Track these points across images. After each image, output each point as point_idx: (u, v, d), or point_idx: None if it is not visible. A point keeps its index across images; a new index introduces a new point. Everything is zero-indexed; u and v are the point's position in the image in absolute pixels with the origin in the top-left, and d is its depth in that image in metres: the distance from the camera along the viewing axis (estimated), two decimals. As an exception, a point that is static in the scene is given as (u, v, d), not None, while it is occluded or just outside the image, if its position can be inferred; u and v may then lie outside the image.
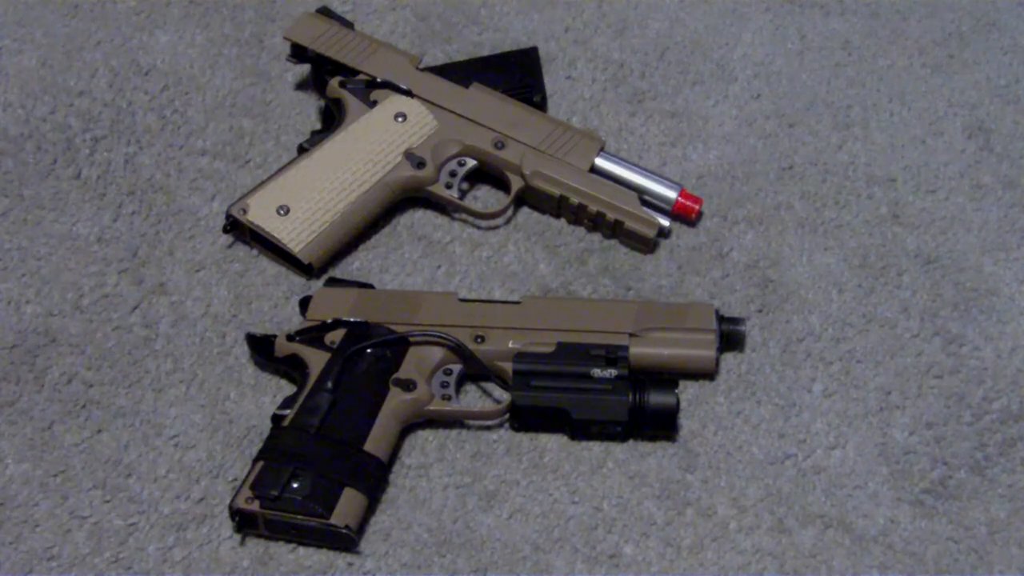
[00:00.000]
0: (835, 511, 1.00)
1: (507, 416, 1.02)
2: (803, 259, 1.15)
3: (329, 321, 1.03)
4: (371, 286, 1.09)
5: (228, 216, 1.11)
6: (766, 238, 1.16)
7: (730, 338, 1.06)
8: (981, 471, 1.03)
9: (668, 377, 1.02)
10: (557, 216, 1.17)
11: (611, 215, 1.13)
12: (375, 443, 0.97)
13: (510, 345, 1.03)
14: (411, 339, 1.03)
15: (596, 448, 1.02)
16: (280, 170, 1.13)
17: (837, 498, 1.01)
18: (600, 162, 1.16)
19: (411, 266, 1.13)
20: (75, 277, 1.10)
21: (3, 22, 1.28)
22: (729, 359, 1.08)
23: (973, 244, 1.17)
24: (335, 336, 1.03)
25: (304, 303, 1.06)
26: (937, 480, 1.02)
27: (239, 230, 1.12)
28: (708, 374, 1.06)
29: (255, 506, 0.93)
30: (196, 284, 1.10)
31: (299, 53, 1.20)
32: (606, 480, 1.01)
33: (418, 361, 1.02)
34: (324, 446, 0.96)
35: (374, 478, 0.97)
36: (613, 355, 1.02)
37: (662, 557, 0.97)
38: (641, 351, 1.03)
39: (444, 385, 1.03)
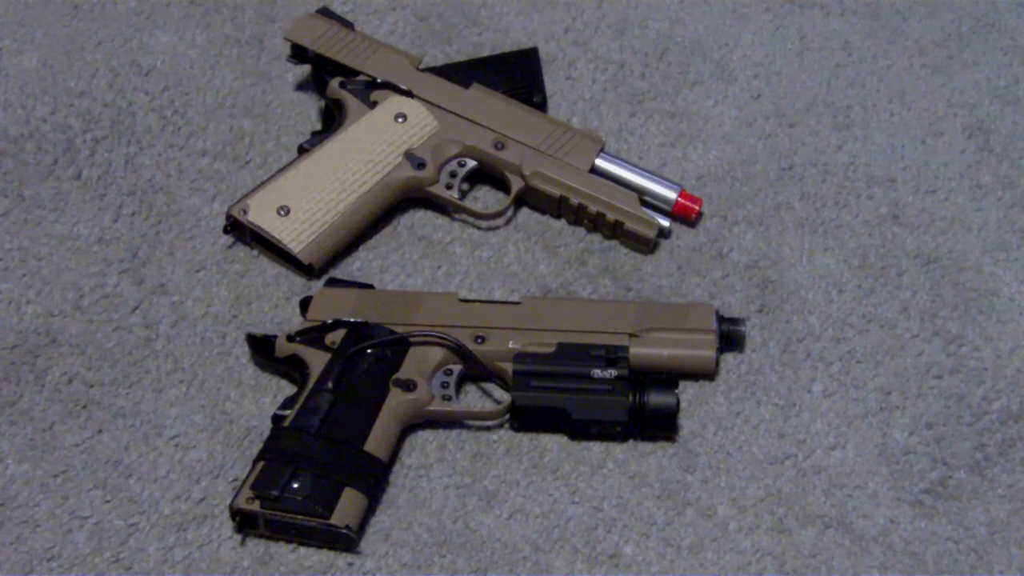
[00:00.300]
0: (835, 511, 1.00)
1: (507, 416, 1.02)
2: (803, 259, 1.15)
3: (329, 321, 1.03)
4: (371, 286, 1.09)
5: (228, 217, 1.11)
6: (766, 238, 1.16)
7: (730, 338, 1.07)
8: (981, 471, 1.03)
9: (668, 377, 1.02)
10: (557, 216, 1.17)
11: (611, 215, 1.13)
12: (375, 443, 0.97)
13: (510, 345, 1.03)
14: (411, 339, 1.03)
15: (596, 448, 1.02)
16: (280, 171, 1.13)
17: (837, 498, 1.01)
18: (600, 163, 1.16)
19: (411, 266, 1.13)
20: (76, 277, 1.10)
21: (3, 22, 1.28)
22: (729, 359, 1.08)
23: (973, 244, 1.17)
24: (335, 336, 1.03)
25: (304, 303, 1.06)
26: (937, 480, 1.02)
27: (239, 231, 1.12)
28: (708, 374, 1.06)
29: (255, 506, 0.93)
30: (196, 284, 1.10)
31: (299, 54, 1.20)
32: (606, 480, 1.01)
33: (418, 361, 1.02)
34: (324, 446, 0.96)
35: (374, 478, 0.97)
36: (613, 355, 1.02)
37: (662, 557, 0.97)
38: (641, 351, 1.03)
39: (444, 385, 1.03)
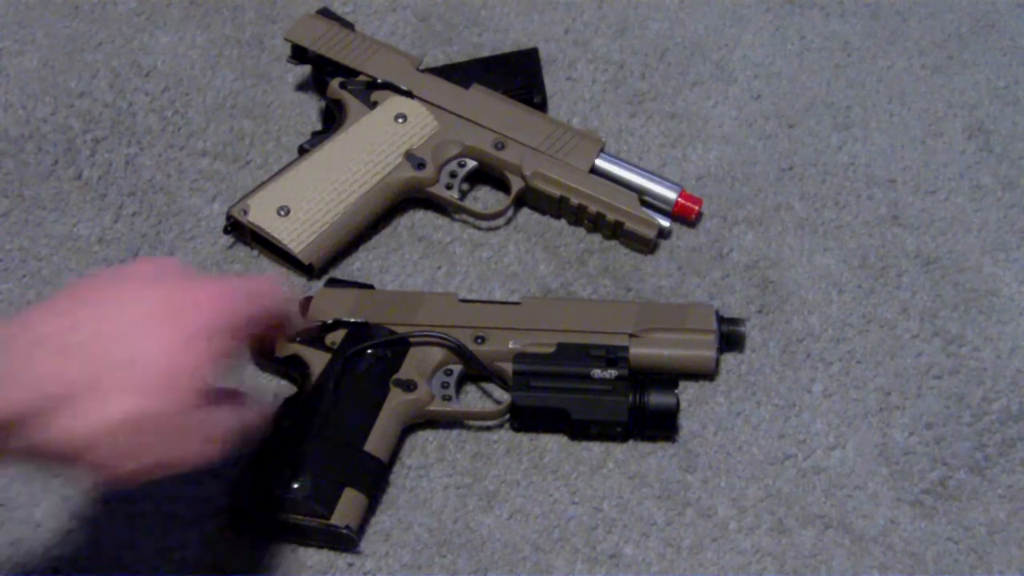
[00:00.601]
0: (835, 511, 1.00)
1: (507, 416, 1.02)
2: (803, 260, 1.15)
3: (330, 322, 1.03)
4: (371, 287, 1.09)
5: (229, 217, 1.11)
6: (766, 239, 1.16)
7: (730, 339, 1.07)
8: (981, 471, 1.03)
9: (668, 377, 1.02)
10: (557, 217, 1.17)
11: (611, 216, 1.13)
12: (375, 443, 0.97)
13: (510, 346, 1.03)
14: (411, 340, 1.03)
15: (596, 448, 1.02)
16: (281, 171, 1.13)
17: (837, 498, 1.01)
18: (600, 163, 1.16)
19: (411, 267, 1.13)
20: (76, 278, 1.10)
21: (3, 23, 1.28)
22: (729, 359, 1.08)
23: (973, 244, 1.17)
24: (336, 337, 1.03)
25: (305, 304, 1.06)
26: (937, 480, 1.02)
27: (240, 231, 1.12)
28: (708, 375, 1.06)
29: (255, 506, 0.93)
30: (197, 285, 1.10)
31: (300, 54, 1.20)
32: (606, 480, 1.01)
33: (418, 362, 1.02)
34: (324, 446, 0.96)
35: (374, 478, 0.97)
36: (613, 356, 1.02)
37: (662, 557, 0.97)
38: (641, 352, 1.03)
39: (444, 386, 1.03)
